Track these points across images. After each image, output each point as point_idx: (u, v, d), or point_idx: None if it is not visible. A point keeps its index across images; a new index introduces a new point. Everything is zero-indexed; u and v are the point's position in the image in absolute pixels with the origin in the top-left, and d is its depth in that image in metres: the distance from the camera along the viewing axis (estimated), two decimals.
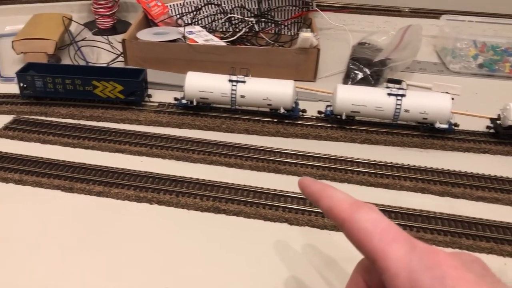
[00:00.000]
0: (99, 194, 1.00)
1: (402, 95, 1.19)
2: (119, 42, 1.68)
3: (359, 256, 0.83)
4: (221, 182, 1.04)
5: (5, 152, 1.11)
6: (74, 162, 1.08)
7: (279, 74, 1.42)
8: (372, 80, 1.48)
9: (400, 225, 0.93)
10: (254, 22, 1.66)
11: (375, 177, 1.07)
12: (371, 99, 1.20)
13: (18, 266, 0.85)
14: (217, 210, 0.97)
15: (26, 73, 1.29)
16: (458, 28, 1.71)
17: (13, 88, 1.39)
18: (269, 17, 1.72)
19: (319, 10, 1.77)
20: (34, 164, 1.07)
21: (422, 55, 1.66)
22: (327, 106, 1.28)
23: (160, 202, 0.99)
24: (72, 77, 1.25)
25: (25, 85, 1.28)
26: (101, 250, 0.88)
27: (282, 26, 1.72)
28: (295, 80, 1.25)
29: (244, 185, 1.03)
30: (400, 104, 1.19)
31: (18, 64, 1.53)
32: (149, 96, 1.33)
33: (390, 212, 0.97)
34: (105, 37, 1.70)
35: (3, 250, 0.88)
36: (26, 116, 1.26)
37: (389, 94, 1.19)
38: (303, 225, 0.95)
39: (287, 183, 1.06)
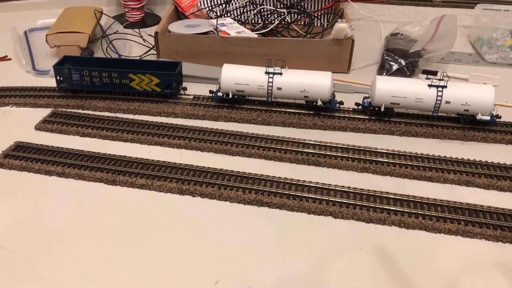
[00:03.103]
0: (142, 186, 1.01)
1: (444, 87, 1.17)
2: (149, 35, 1.69)
3: (406, 251, 0.82)
4: (262, 175, 1.03)
5: (46, 145, 1.12)
6: (115, 155, 1.08)
7: (312, 65, 1.40)
8: (408, 71, 1.45)
9: (447, 218, 0.92)
10: (285, 13, 1.64)
11: (418, 170, 1.06)
12: (412, 90, 1.18)
13: (62, 257, 0.85)
14: (260, 203, 0.97)
15: (62, 66, 1.29)
16: (493, 18, 1.67)
17: (48, 82, 1.40)
18: (300, 8, 1.70)
19: (350, 0, 1.74)
20: (75, 157, 1.08)
21: (456, 45, 1.62)
22: (365, 98, 1.26)
23: (203, 195, 0.99)
24: (109, 70, 1.25)
25: (61, 78, 1.29)
26: (147, 242, 0.89)
27: (315, 17, 1.70)
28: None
29: (286, 178, 1.02)
30: (441, 96, 1.16)
31: (51, 58, 1.55)
32: (184, 89, 1.33)
33: (437, 206, 0.95)
34: (136, 30, 1.70)
35: (48, 242, 0.88)
36: (63, 109, 1.27)
37: (430, 86, 1.17)
38: (348, 218, 0.94)
39: (329, 176, 1.05)
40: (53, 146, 1.11)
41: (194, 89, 1.36)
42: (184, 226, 0.92)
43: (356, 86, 1.40)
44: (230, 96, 1.26)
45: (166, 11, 1.68)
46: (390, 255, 0.86)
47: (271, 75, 1.22)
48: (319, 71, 1.23)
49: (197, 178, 1.02)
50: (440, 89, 1.17)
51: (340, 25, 1.39)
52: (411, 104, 1.19)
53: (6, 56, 1.56)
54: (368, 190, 0.99)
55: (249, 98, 1.30)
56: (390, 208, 0.94)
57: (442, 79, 1.18)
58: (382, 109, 1.21)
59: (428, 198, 0.97)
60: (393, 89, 1.19)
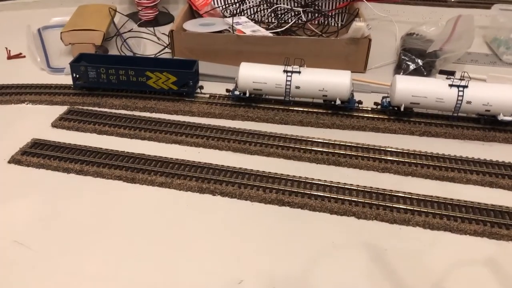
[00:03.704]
0: (161, 185, 1.00)
1: (465, 86, 1.15)
2: (162, 33, 1.68)
3: (432, 252, 0.81)
4: (281, 174, 1.02)
5: (64, 142, 1.11)
6: (133, 153, 1.07)
7: (328, 65, 1.38)
8: (425, 71, 1.44)
9: (472, 219, 0.90)
10: (301, 12, 1.62)
11: (440, 170, 1.04)
12: (432, 90, 1.16)
13: (80, 254, 0.84)
14: (281, 203, 0.96)
15: (79, 63, 1.28)
16: (511, 18, 1.65)
17: (63, 79, 1.39)
18: (316, 7, 1.68)
19: (364, 0, 1.72)
20: (93, 154, 1.07)
21: (472, 46, 1.60)
22: (384, 97, 1.25)
23: (223, 194, 0.98)
24: (126, 68, 1.24)
25: (77, 76, 1.28)
26: (167, 241, 0.87)
27: (329, 16, 1.68)
28: None
29: (306, 178, 1.01)
30: (462, 96, 1.15)
31: (65, 55, 1.54)
32: (201, 87, 1.32)
33: (461, 207, 0.94)
34: (150, 28, 1.69)
35: (66, 240, 0.87)
36: (80, 107, 1.26)
37: (451, 85, 1.16)
38: (371, 219, 0.92)
39: (350, 176, 1.03)
40: (70, 144, 1.10)
41: (210, 87, 1.35)
42: (205, 225, 0.91)
43: (373, 86, 1.39)
44: (247, 95, 1.25)
45: (179, 9, 1.67)
46: (415, 256, 0.85)
47: (289, 74, 1.21)
48: (338, 70, 1.22)
49: (217, 177, 1.01)
50: (461, 89, 1.15)
51: (357, 24, 1.38)
52: (431, 104, 1.18)
53: (21, 53, 1.55)
54: (390, 190, 0.98)
55: (266, 97, 1.28)
56: (414, 208, 0.93)
57: (463, 79, 1.16)
58: (402, 109, 1.19)
59: (452, 199, 0.96)
60: (413, 88, 1.17)
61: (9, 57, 1.54)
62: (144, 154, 1.07)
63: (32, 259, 0.83)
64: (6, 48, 1.56)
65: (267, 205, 0.96)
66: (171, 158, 1.06)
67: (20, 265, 0.82)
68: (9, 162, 1.07)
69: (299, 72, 1.21)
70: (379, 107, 1.24)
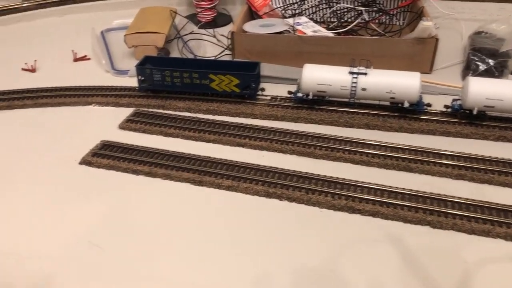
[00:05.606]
0: (228, 188, 0.99)
1: None
2: (221, 35, 1.68)
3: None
4: (350, 180, 1.00)
5: (131, 144, 1.13)
6: (200, 156, 1.08)
7: (392, 65, 1.33)
8: (496, 72, 1.36)
9: None
10: (363, 11, 1.58)
11: None
12: (508, 93, 1.10)
13: (149, 256, 0.86)
14: (352, 210, 0.93)
15: (144, 66, 1.30)
16: None
17: (127, 81, 1.42)
18: (378, 6, 1.64)
19: None
20: (161, 156, 1.08)
21: None
22: (454, 100, 1.19)
23: (290, 199, 0.96)
24: (190, 71, 1.25)
25: (143, 78, 1.30)
26: (235, 245, 0.87)
27: (392, 15, 1.63)
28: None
29: (377, 184, 0.98)
30: None
31: (128, 58, 1.57)
32: (262, 89, 1.31)
33: None
34: (210, 30, 1.70)
35: (137, 242, 0.89)
36: (145, 109, 1.28)
37: None
38: (447, 229, 0.88)
39: (422, 183, 0.99)
40: (138, 146, 1.12)
41: (271, 89, 1.34)
42: (274, 231, 0.90)
43: (441, 87, 1.33)
44: (311, 97, 1.23)
45: (237, 10, 1.67)
46: (496, 270, 0.80)
47: (355, 75, 1.18)
48: (407, 71, 1.18)
49: (283, 181, 1.00)
50: None
51: (425, 23, 1.33)
52: (508, 107, 1.11)
53: (86, 55, 1.60)
54: (466, 198, 0.93)
55: (329, 99, 1.26)
56: (494, 219, 0.88)
57: None
58: (475, 112, 1.14)
59: None
60: (488, 91, 1.11)
61: (75, 60, 1.59)
62: (210, 156, 1.08)
63: (105, 259, 0.85)
64: (73, 51, 1.61)
65: (336, 212, 0.94)
66: (236, 161, 1.06)
67: (95, 265, 0.84)
68: (80, 163, 1.10)
69: (365, 74, 1.17)
70: (449, 110, 1.19)
